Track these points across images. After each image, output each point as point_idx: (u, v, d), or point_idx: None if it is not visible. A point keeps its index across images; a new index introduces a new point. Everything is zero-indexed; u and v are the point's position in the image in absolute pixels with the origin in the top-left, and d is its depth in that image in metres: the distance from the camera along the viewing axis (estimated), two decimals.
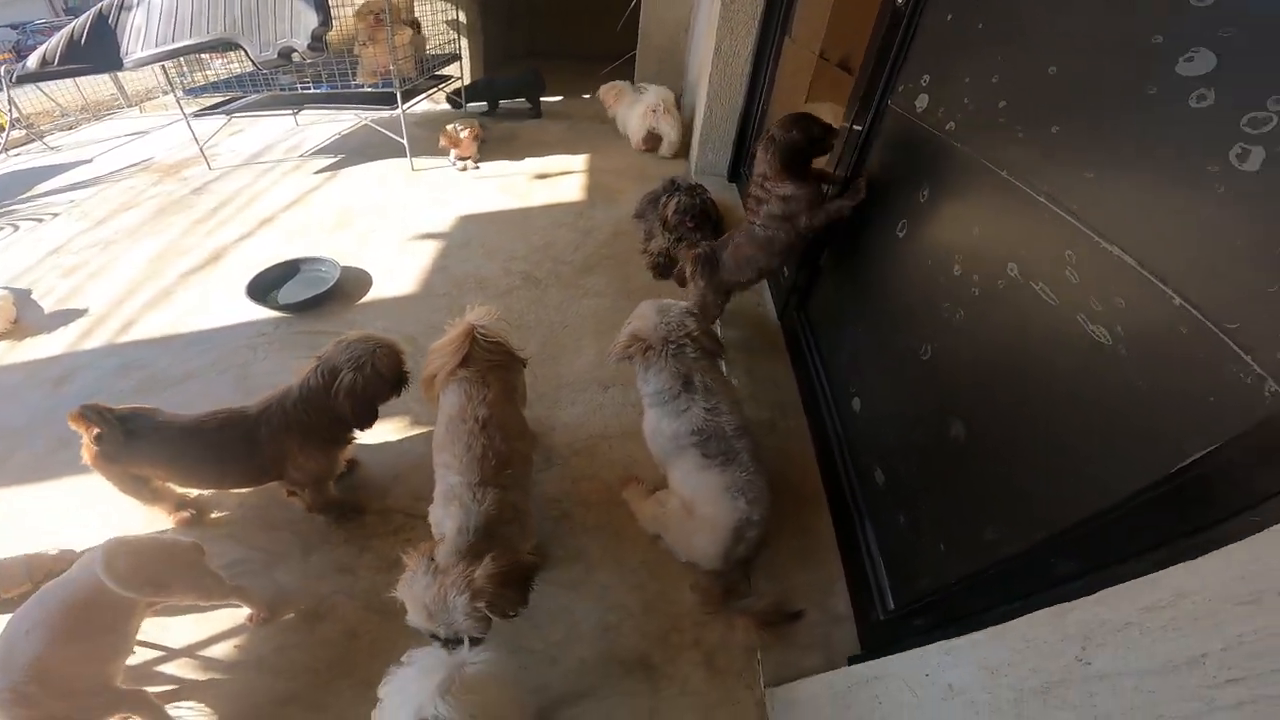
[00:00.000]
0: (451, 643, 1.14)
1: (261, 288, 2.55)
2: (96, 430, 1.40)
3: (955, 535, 1.18)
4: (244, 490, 1.73)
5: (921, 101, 1.49)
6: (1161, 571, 0.64)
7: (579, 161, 4.00)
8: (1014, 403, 1.07)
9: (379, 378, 1.50)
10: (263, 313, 2.46)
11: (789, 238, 1.87)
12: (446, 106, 4.72)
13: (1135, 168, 0.89)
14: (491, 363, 1.46)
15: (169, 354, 2.28)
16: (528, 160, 3.99)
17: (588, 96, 5.21)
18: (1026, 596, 0.94)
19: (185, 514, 1.67)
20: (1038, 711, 0.74)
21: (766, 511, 1.45)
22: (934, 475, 1.29)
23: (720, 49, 3.18)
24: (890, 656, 1.02)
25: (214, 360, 2.24)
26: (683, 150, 4.01)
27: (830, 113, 2.12)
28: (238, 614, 1.49)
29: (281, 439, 1.48)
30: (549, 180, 3.73)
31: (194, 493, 1.73)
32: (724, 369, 1.59)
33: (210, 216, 3.30)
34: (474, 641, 1.13)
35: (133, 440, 1.43)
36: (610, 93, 4.30)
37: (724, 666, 1.42)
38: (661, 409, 1.54)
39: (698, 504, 1.47)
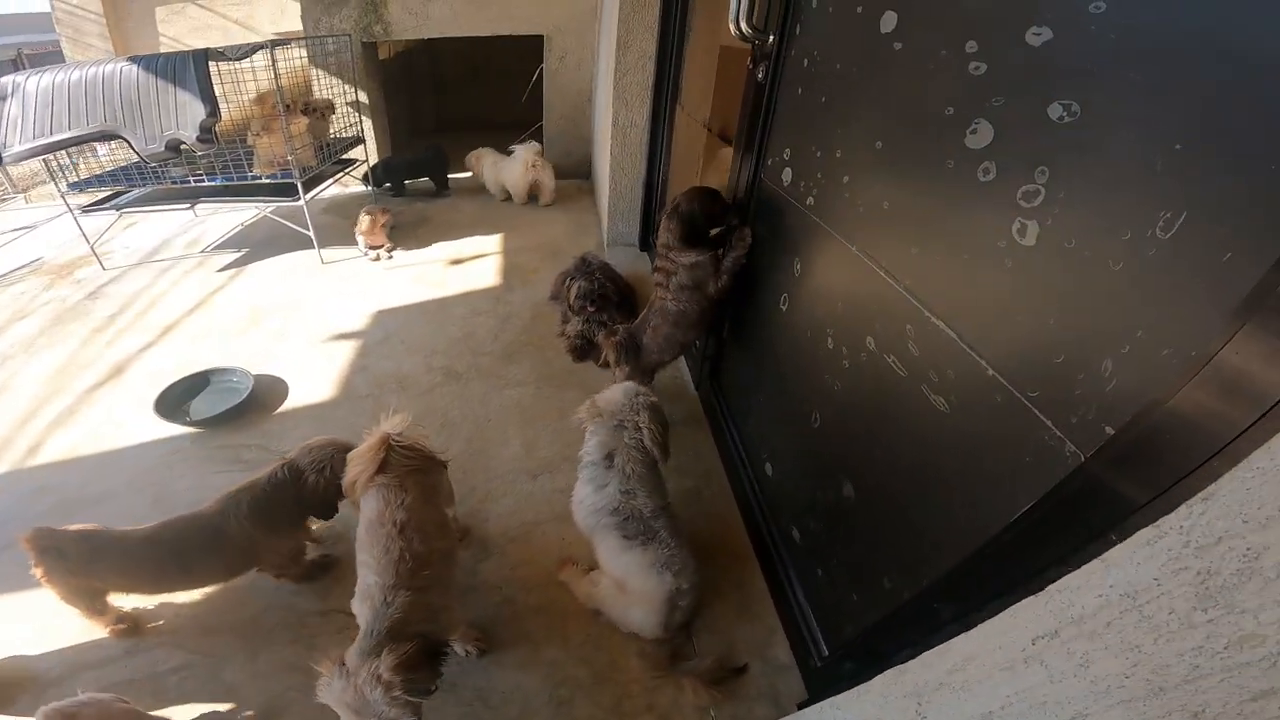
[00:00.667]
0: None
1: (171, 402, 2.46)
2: (52, 554, 1.47)
3: (863, 584, 1.28)
4: (188, 594, 1.75)
5: (786, 175, 1.58)
6: (954, 639, 0.73)
7: (493, 242, 4.03)
8: (887, 466, 1.17)
9: (337, 480, 1.59)
10: (175, 428, 2.37)
11: (701, 306, 1.97)
12: (355, 189, 4.69)
13: (945, 243, 0.98)
14: (409, 468, 1.49)
15: (81, 475, 2.19)
16: (441, 245, 3.99)
17: None
18: (925, 637, 1.03)
19: (121, 626, 1.67)
20: None
21: (695, 578, 1.54)
22: (837, 531, 1.38)
23: (618, 121, 3.32)
24: (804, 710, 1.09)
25: (129, 480, 2.16)
26: (559, 197, 4.45)
27: (719, 182, 2.26)
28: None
29: (250, 530, 1.57)
30: (463, 265, 3.74)
31: (129, 606, 1.72)
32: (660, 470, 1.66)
33: (109, 325, 3.15)
34: None
35: (96, 557, 1.50)
36: (475, 158, 4.74)
37: None
38: (585, 477, 1.62)
39: (628, 581, 1.53)
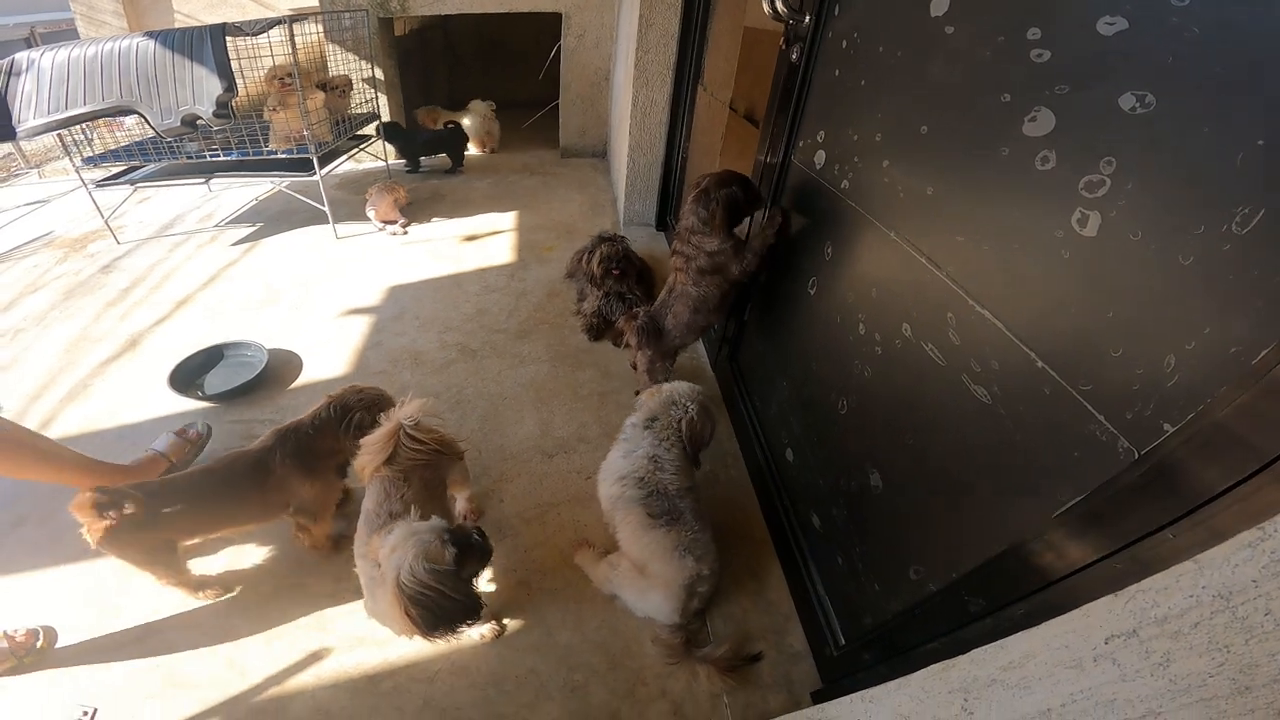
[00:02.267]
0: None
1: (185, 377, 2.45)
2: (114, 511, 1.43)
3: (886, 575, 1.27)
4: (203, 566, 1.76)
5: (819, 158, 1.54)
6: (1011, 636, 0.72)
7: (507, 220, 4.01)
8: (918, 455, 1.15)
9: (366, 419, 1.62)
10: (189, 403, 2.37)
11: (723, 290, 1.95)
12: (369, 165, 4.67)
13: (995, 231, 0.95)
14: (416, 462, 1.47)
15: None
16: (456, 221, 3.97)
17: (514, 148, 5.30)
18: (953, 631, 1.03)
19: (211, 590, 1.71)
20: None
21: (715, 565, 1.53)
22: (861, 520, 1.37)
23: (638, 100, 3.29)
24: (834, 700, 1.08)
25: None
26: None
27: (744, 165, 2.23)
28: (208, 704, 1.48)
29: (290, 467, 1.59)
30: (478, 241, 3.72)
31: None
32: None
33: (122, 298, 3.14)
34: None
35: (158, 502, 1.49)
36: (428, 114, 5.12)
37: (692, 714, 1.45)
38: (619, 440, 1.65)
39: (649, 564, 1.52)
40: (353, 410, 1.64)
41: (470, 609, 1.21)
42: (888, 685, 0.93)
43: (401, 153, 4.71)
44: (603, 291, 2.69)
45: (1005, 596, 0.91)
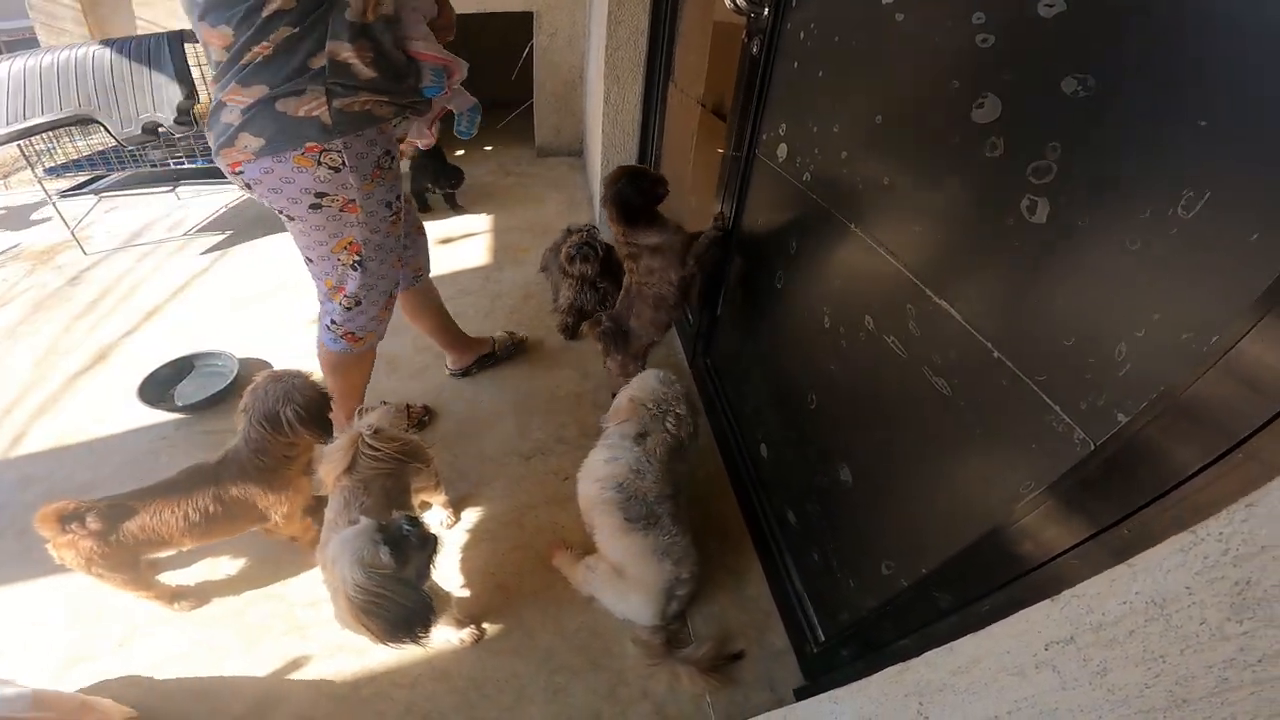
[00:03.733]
0: None
1: (155, 388, 2.41)
2: (77, 525, 1.40)
3: (860, 571, 1.26)
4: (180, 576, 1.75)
5: (781, 151, 1.53)
6: (961, 639, 0.71)
7: (482, 222, 3.96)
8: (884, 449, 1.14)
9: (312, 400, 1.57)
10: (160, 415, 2.33)
11: (677, 287, 1.93)
12: None
13: (949, 221, 0.94)
14: (377, 470, 1.44)
15: (67, 464, 2.15)
16: (429, 224, 3.80)
17: (489, 148, 5.22)
18: (924, 627, 1.01)
19: (185, 602, 1.69)
20: None
21: (695, 569, 1.52)
22: (834, 516, 1.36)
23: (609, 98, 3.26)
24: (803, 702, 1.08)
25: (115, 468, 2.12)
26: None
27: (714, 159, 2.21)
28: (190, 714, 1.45)
29: (246, 488, 1.56)
30: (452, 245, 3.68)
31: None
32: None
33: (90, 310, 3.08)
34: None
35: (120, 515, 1.45)
36: None
37: (675, 714, 1.45)
38: (604, 446, 1.60)
39: (626, 567, 1.51)
40: (280, 414, 1.53)
41: (422, 611, 1.17)
42: (851, 686, 0.92)
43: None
44: (575, 279, 2.64)
45: (970, 592, 0.90)
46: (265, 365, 2.62)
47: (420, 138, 1.84)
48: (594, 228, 2.75)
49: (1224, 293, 0.59)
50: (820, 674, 1.40)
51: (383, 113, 1.47)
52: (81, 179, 3.61)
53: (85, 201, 3.67)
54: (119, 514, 1.46)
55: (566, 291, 2.69)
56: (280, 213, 1.58)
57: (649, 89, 3.20)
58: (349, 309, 1.73)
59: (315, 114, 1.36)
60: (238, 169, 1.47)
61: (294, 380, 1.58)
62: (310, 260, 1.71)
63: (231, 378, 2.43)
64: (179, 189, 3.79)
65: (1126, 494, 0.67)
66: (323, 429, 1.59)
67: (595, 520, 1.58)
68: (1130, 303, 0.68)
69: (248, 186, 1.52)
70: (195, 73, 3.06)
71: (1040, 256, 0.78)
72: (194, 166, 3.46)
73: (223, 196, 4.26)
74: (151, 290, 3.25)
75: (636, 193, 1.83)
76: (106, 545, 1.45)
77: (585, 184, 4.53)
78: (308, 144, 1.39)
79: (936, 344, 0.97)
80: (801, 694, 1.43)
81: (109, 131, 3.01)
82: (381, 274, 1.71)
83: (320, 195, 1.48)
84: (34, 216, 4.16)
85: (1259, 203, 0.56)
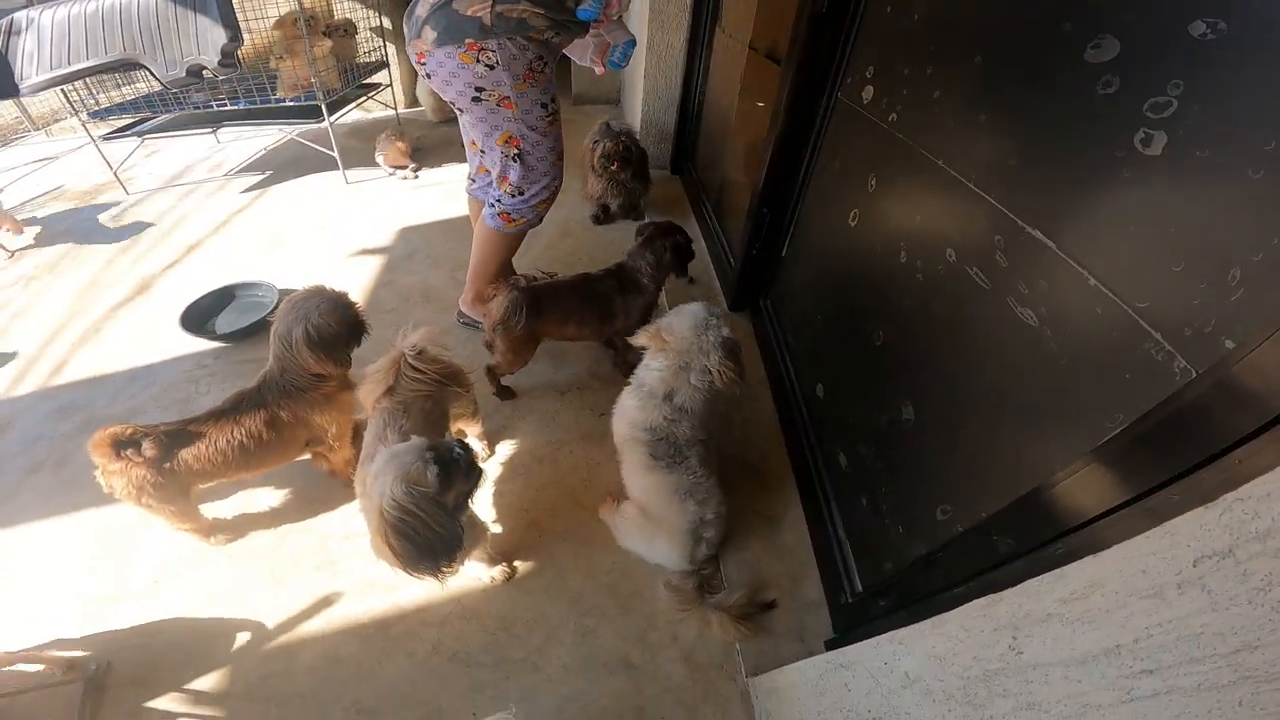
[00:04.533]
0: None
1: (196, 317, 2.44)
2: (149, 449, 1.39)
3: (911, 516, 1.23)
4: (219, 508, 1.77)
5: (867, 93, 1.52)
6: (1074, 563, 0.65)
7: None
8: (954, 385, 1.11)
9: (328, 325, 1.55)
10: (200, 344, 2.36)
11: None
12: (379, 114, 4.54)
13: (1051, 154, 0.92)
14: (418, 392, 1.42)
15: (107, 393, 2.18)
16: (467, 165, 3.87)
17: None
18: (976, 576, 0.97)
19: (223, 536, 1.70)
20: (984, 698, 0.76)
21: (720, 509, 1.48)
22: (890, 457, 1.33)
23: (653, 44, 3.17)
24: (854, 645, 1.04)
25: (155, 396, 2.15)
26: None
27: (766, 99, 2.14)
28: (219, 653, 1.48)
29: (293, 409, 1.57)
30: None
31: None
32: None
33: (133, 246, 3.13)
34: None
35: (174, 442, 1.45)
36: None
37: (704, 660, 1.44)
38: (635, 394, 1.54)
39: (650, 507, 1.49)
40: (292, 332, 1.52)
41: (451, 542, 1.15)
42: (920, 625, 0.88)
43: None
44: (605, 180, 2.83)
45: (1039, 535, 0.85)
46: None
47: (587, 63, 2.00)
48: (628, 132, 2.82)
49: None
50: (853, 625, 1.37)
51: (537, 23, 1.63)
52: (125, 122, 3.62)
53: (128, 144, 3.70)
54: (176, 440, 1.45)
55: (595, 184, 2.86)
56: (453, 104, 1.84)
57: (694, 34, 3.10)
58: (513, 196, 1.96)
59: (479, 14, 1.57)
60: (422, 60, 1.72)
61: (316, 302, 1.56)
62: (481, 151, 1.97)
63: (271, 307, 2.41)
64: (219, 132, 3.78)
65: (1233, 421, 0.61)
66: (333, 356, 1.57)
67: (624, 456, 1.56)
68: (1249, 227, 0.65)
69: (428, 76, 1.77)
70: (239, 16, 3.05)
71: (1152, 185, 0.76)
72: (236, 108, 3.45)
73: (263, 139, 4.28)
74: (193, 227, 3.29)
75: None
76: (160, 474, 1.43)
77: None
78: (468, 40, 1.61)
79: (1025, 274, 0.94)
80: (832, 645, 1.40)
81: (154, 75, 3.00)
82: (541, 169, 1.92)
83: (479, 90, 1.71)
84: (77, 160, 4.23)
85: None
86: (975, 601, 0.78)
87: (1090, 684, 0.62)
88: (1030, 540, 0.87)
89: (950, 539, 1.08)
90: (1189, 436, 0.67)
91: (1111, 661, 0.59)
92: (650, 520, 1.51)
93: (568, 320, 1.95)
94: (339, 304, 1.59)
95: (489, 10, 1.56)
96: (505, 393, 2.09)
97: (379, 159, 3.75)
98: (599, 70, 1.98)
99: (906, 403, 1.26)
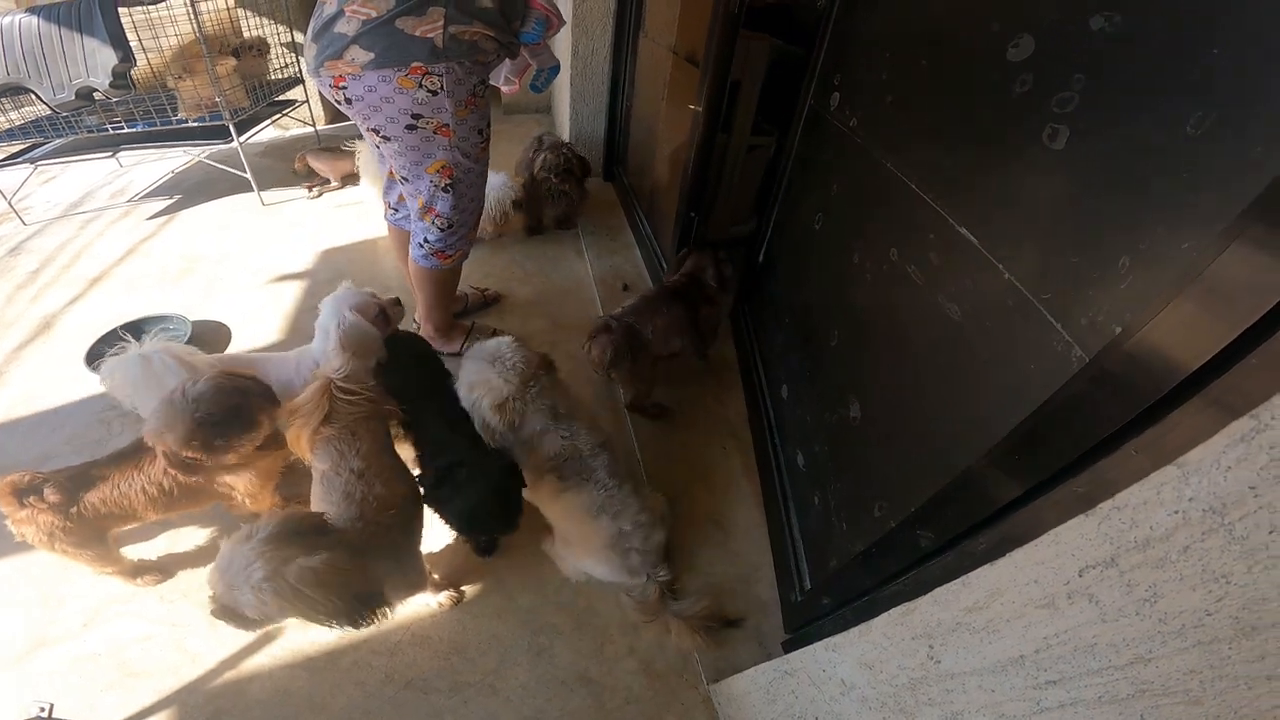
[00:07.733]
0: None
1: (103, 355, 2.27)
2: (51, 495, 1.31)
3: (853, 513, 1.25)
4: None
5: (834, 100, 1.57)
6: (973, 571, 0.65)
7: None
8: (894, 381, 1.15)
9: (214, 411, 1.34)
10: None
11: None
12: (295, 131, 4.36)
13: (977, 154, 0.97)
14: (357, 415, 1.36)
15: (16, 438, 2.04)
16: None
17: None
18: (908, 571, 0.97)
19: (150, 577, 1.61)
20: (912, 707, 0.76)
21: (640, 515, 1.43)
22: (839, 455, 1.37)
23: (578, 50, 3.15)
24: (797, 652, 1.04)
25: (67, 439, 2.02)
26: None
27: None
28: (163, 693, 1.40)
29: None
30: None
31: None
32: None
33: (32, 280, 2.89)
34: None
35: (80, 484, 1.37)
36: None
37: (664, 669, 1.43)
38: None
39: (567, 534, 1.48)
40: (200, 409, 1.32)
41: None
42: (850, 633, 0.88)
43: None
44: (544, 192, 2.85)
45: (955, 528, 0.84)
46: (221, 327, 2.51)
47: (506, 84, 1.91)
48: (568, 144, 2.82)
49: (1225, 201, 0.59)
50: (802, 624, 1.38)
51: (487, 46, 1.54)
52: (17, 148, 3.37)
53: (20, 172, 3.43)
54: (79, 484, 1.37)
55: (534, 197, 2.91)
56: (376, 132, 1.65)
57: (619, 40, 3.10)
58: (442, 230, 1.85)
59: (430, 35, 1.44)
60: (341, 84, 1.54)
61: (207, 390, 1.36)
62: (405, 180, 1.80)
63: (184, 341, 2.28)
64: (120, 155, 3.56)
65: (1123, 410, 0.59)
66: (207, 445, 1.35)
67: (535, 489, 1.49)
68: (1137, 216, 0.69)
69: (347, 102, 1.59)
70: (133, 40, 2.89)
71: (1057, 179, 0.80)
72: (134, 131, 3.25)
73: (169, 162, 4.03)
74: (96, 257, 3.07)
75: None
76: (68, 519, 1.35)
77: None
78: (414, 63, 1.46)
79: (953, 270, 0.98)
80: (789, 647, 1.40)
81: (40, 99, 2.86)
82: (470, 196, 1.82)
83: (416, 117, 1.57)
84: None
85: (1263, 117, 0.56)
86: (893, 610, 0.79)
87: (1003, 694, 0.62)
88: (947, 533, 0.87)
89: (883, 535, 1.09)
90: (1068, 432, 0.66)
91: (1019, 671, 0.59)
92: (574, 544, 1.48)
93: (670, 335, 1.91)
94: (217, 387, 1.37)
95: (441, 32, 1.43)
96: (660, 410, 2.03)
97: (328, 177, 3.66)
98: (512, 89, 1.91)
99: (854, 401, 1.29)
